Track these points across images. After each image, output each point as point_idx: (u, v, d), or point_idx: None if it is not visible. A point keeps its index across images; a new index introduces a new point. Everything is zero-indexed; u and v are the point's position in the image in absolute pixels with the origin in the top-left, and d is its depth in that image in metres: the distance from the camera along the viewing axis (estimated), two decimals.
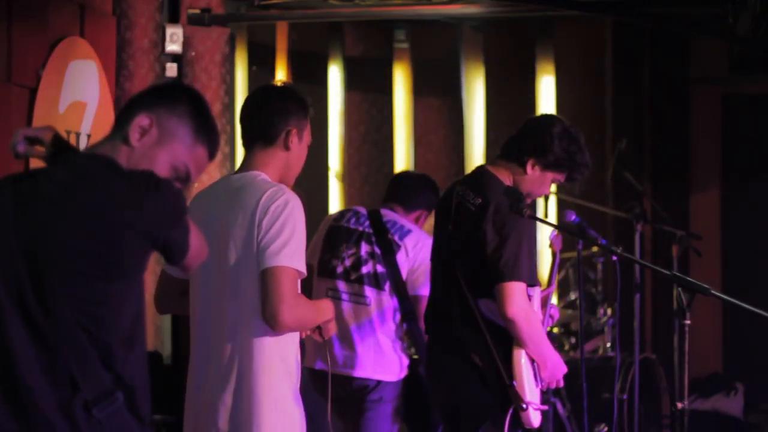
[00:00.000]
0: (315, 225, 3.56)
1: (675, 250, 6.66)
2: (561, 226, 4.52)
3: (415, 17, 7.91)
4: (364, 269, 5.05)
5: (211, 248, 3.53)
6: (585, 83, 8.34)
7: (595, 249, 6.98)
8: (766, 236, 8.01)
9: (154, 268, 5.08)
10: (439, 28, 8.28)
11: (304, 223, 3.46)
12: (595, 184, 7.84)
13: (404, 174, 5.80)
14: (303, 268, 3.44)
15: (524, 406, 4.11)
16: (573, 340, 6.91)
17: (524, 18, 8.01)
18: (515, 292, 4.06)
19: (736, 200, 8.21)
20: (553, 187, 4.62)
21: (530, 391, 4.15)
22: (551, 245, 4.61)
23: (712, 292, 3.49)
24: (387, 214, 5.17)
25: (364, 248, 5.07)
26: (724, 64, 8.19)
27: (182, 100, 2.67)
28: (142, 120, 2.61)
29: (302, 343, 4.07)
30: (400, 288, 5.03)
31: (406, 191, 5.30)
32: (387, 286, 5.03)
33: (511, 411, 4.13)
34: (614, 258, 4.08)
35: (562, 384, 4.34)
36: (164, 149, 2.61)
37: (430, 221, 5.03)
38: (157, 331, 6.88)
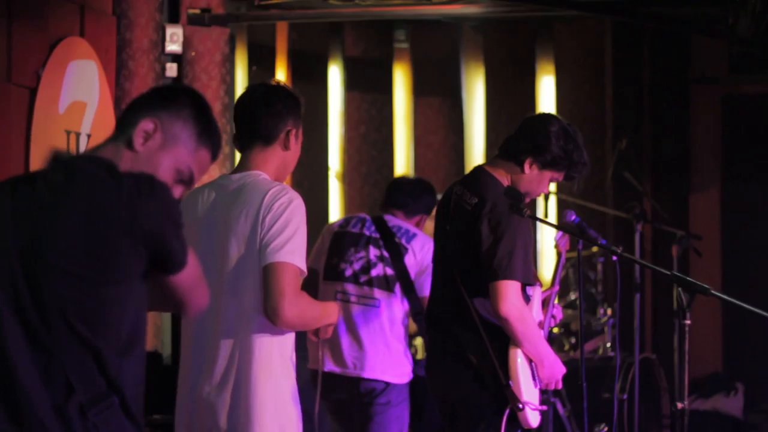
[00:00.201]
0: (314, 225, 3.56)
1: (675, 250, 6.67)
2: (561, 226, 4.51)
3: (415, 17, 7.92)
4: (374, 272, 5.11)
5: (211, 247, 3.54)
6: (585, 83, 8.35)
7: (595, 249, 6.98)
8: (766, 236, 8.01)
9: None
10: (439, 28, 8.29)
11: (305, 222, 3.48)
12: (595, 184, 7.85)
13: (401, 180, 5.83)
14: (304, 267, 3.46)
15: (521, 406, 4.11)
16: (573, 340, 6.91)
17: (524, 18, 8.02)
18: (508, 290, 4.06)
19: (736, 200, 8.21)
20: (553, 187, 4.63)
21: (527, 391, 4.15)
22: (557, 245, 4.61)
23: (712, 292, 3.49)
24: (391, 220, 5.26)
25: (373, 252, 5.13)
26: (724, 64, 8.20)
27: (185, 103, 2.66)
28: (146, 124, 2.61)
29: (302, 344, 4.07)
30: (410, 289, 5.10)
31: (405, 197, 5.37)
32: (397, 289, 5.11)
33: (507, 411, 4.12)
34: (614, 258, 4.06)
35: (561, 386, 4.34)
36: (168, 153, 2.61)
37: (429, 224, 5.07)
38: (157, 331, 6.88)
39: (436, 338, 4.38)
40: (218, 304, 3.48)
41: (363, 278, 5.11)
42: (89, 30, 6.27)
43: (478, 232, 4.13)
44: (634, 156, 7.85)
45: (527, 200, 4.25)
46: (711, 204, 8.23)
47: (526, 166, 4.24)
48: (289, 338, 3.53)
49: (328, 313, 3.65)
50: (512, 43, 8.51)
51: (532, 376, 4.19)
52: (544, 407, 4.29)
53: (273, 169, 3.61)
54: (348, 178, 8.35)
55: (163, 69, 7.00)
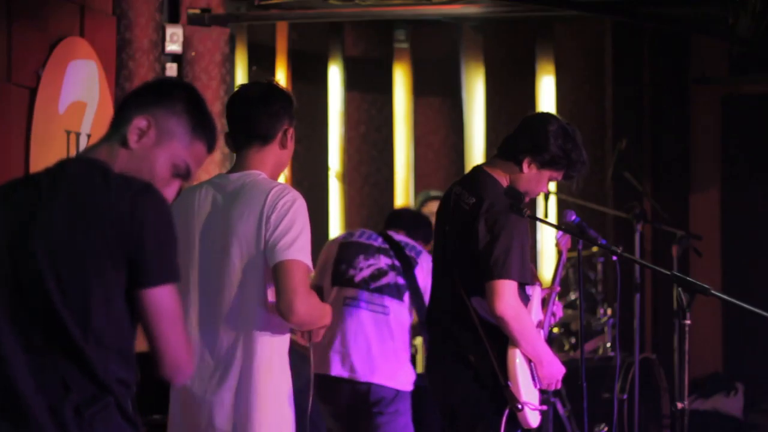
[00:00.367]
0: (314, 225, 3.58)
1: (675, 250, 6.66)
2: (561, 226, 4.51)
3: (415, 17, 7.92)
4: (385, 280, 5.16)
5: (210, 247, 3.54)
6: (585, 83, 8.35)
7: (595, 249, 6.98)
8: (766, 236, 8.00)
9: None
10: (439, 28, 8.29)
11: (309, 221, 3.50)
12: (595, 184, 7.84)
13: (402, 210, 6.08)
14: (311, 264, 3.49)
15: (520, 406, 4.10)
16: (573, 340, 6.91)
17: (524, 18, 8.02)
18: (505, 289, 4.06)
19: (736, 200, 8.20)
20: (553, 187, 4.63)
21: (526, 392, 4.14)
22: (557, 244, 4.61)
23: (712, 292, 3.49)
24: (395, 235, 5.33)
25: (384, 261, 5.18)
26: (724, 64, 8.19)
27: (178, 97, 2.65)
28: (139, 122, 2.60)
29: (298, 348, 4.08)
30: (419, 298, 5.14)
31: (406, 223, 5.46)
32: (406, 298, 5.13)
33: (507, 411, 4.12)
34: (614, 258, 4.06)
35: (560, 386, 4.34)
36: (163, 149, 2.61)
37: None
38: None
39: (435, 338, 4.38)
40: (219, 303, 3.49)
41: (373, 285, 5.14)
42: (89, 30, 6.26)
43: (475, 232, 4.13)
44: (634, 156, 7.85)
45: (526, 200, 4.26)
46: (711, 204, 8.23)
47: (525, 166, 4.24)
48: (287, 339, 3.56)
49: (327, 313, 3.66)
50: (512, 43, 8.51)
51: (531, 376, 4.19)
52: (544, 407, 4.28)
53: (270, 168, 3.63)
54: (348, 178, 8.35)
55: (163, 69, 7.00)
